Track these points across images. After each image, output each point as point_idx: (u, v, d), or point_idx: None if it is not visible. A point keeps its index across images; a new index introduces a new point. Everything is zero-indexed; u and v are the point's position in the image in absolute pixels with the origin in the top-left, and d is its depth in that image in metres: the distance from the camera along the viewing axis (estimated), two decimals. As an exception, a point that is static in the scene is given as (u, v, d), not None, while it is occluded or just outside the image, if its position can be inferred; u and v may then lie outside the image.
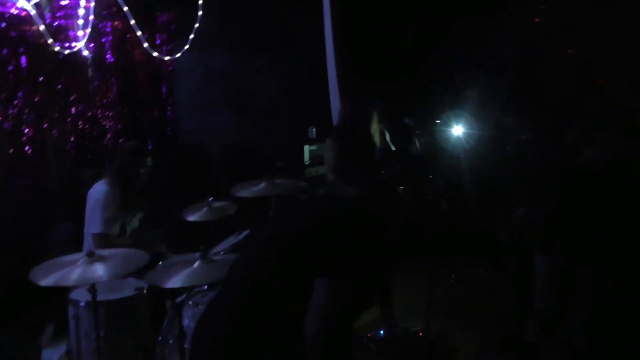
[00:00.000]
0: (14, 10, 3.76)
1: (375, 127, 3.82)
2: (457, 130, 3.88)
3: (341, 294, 1.51)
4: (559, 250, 2.76)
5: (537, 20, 5.30)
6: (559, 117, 2.86)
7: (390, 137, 4.00)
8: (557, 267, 2.80)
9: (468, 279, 4.59)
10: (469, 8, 4.86)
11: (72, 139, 4.45)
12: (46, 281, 2.28)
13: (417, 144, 3.81)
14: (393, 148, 3.96)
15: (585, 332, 2.71)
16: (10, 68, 3.78)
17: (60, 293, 2.82)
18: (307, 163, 5.30)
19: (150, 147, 5.47)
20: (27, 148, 3.96)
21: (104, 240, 3.19)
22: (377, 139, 3.83)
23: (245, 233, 3.32)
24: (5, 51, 3.73)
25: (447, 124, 3.89)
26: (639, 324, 2.64)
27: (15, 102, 3.84)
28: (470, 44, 4.93)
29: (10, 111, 3.80)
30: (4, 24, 3.70)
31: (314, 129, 5.50)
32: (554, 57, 4.91)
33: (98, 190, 3.30)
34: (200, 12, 5.21)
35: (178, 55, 5.42)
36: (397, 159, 3.86)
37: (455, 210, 4.60)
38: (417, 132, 3.78)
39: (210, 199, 3.48)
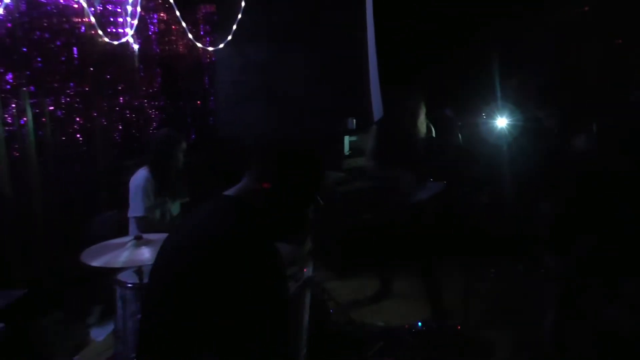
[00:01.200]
0: (66, 3, 3.90)
1: (422, 119, 3.78)
2: (500, 122, 3.81)
3: None
4: (571, 250, 2.70)
5: (580, 10, 5.14)
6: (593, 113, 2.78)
7: (434, 129, 3.97)
8: (568, 268, 2.74)
9: (508, 275, 4.53)
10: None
11: (119, 127, 4.59)
12: (97, 262, 2.39)
13: (459, 136, 3.77)
14: (436, 140, 3.93)
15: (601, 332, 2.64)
16: (62, 59, 3.92)
17: (108, 275, 2.94)
18: (347, 154, 5.30)
19: (193, 136, 5.59)
20: (78, 136, 4.10)
21: (144, 223, 3.33)
22: (422, 130, 3.81)
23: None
24: (58, 42, 3.86)
25: (489, 116, 3.83)
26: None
27: (68, 91, 3.98)
28: (511, 34, 4.83)
29: (63, 100, 3.94)
30: (57, 17, 3.84)
31: (354, 120, 5.50)
32: (596, 49, 4.75)
33: (139, 176, 3.44)
34: (242, 4, 5.28)
35: (221, 46, 5.50)
36: (439, 151, 3.86)
37: (495, 204, 4.55)
38: (458, 123, 3.74)
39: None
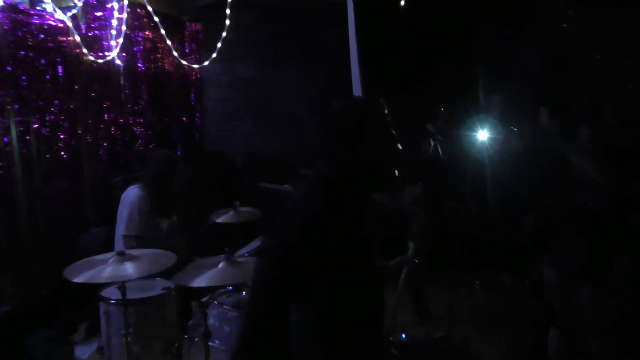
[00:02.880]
0: (51, 22, 3.94)
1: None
2: (481, 135, 3.89)
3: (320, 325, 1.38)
4: (564, 260, 2.74)
5: (564, 25, 5.26)
6: (580, 123, 2.85)
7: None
8: (563, 277, 2.78)
9: (492, 287, 4.57)
10: (494, 12, 4.86)
11: (104, 144, 4.60)
12: (79, 278, 2.38)
13: (439, 150, 3.83)
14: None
15: (596, 341, 2.68)
16: (47, 77, 3.94)
17: (93, 293, 2.94)
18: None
19: (179, 152, 5.61)
20: (62, 153, 4.10)
21: (134, 242, 3.31)
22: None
23: (269, 237, 3.40)
24: (43, 61, 3.89)
25: (469, 129, 3.90)
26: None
27: (52, 109, 3.99)
28: (495, 49, 4.93)
29: (48, 118, 3.95)
30: (42, 35, 3.87)
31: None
32: (580, 63, 4.86)
33: (131, 194, 3.42)
34: (227, 22, 5.34)
35: (206, 63, 5.56)
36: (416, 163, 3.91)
37: (479, 217, 4.60)
38: (438, 137, 3.81)
39: (237, 202, 3.60)
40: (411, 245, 3.25)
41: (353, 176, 1.48)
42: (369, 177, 1.50)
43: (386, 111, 1.54)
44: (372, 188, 1.56)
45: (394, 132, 1.52)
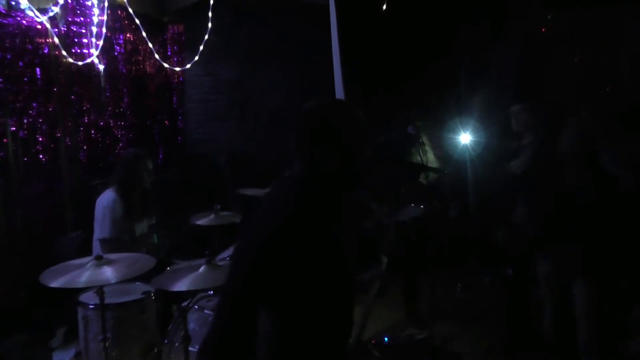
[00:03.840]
0: (30, 24, 3.88)
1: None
2: (462, 138, 3.91)
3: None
4: (558, 253, 2.77)
5: (542, 30, 5.33)
6: (561, 120, 2.88)
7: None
8: (558, 271, 2.81)
9: (474, 287, 4.60)
10: (473, 16, 4.91)
11: (84, 147, 4.55)
12: (56, 283, 2.35)
13: (421, 153, 3.85)
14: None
15: (589, 337, 2.71)
16: (25, 79, 3.89)
17: (71, 297, 2.90)
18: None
19: (161, 155, 5.57)
20: (41, 156, 4.05)
21: (110, 245, 3.28)
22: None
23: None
24: (21, 63, 3.83)
25: (451, 132, 3.93)
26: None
27: (30, 112, 3.94)
28: (474, 52, 4.97)
29: (25, 121, 3.90)
30: (20, 37, 3.82)
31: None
32: (558, 65, 4.93)
33: (105, 198, 3.40)
34: (209, 25, 5.32)
35: (188, 66, 5.53)
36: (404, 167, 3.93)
37: (463, 218, 4.63)
38: (420, 140, 3.83)
39: (217, 205, 3.58)
40: (384, 260, 3.24)
41: (324, 178, 1.46)
42: (342, 178, 1.47)
43: (358, 113, 1.51)
44: (346, 189, 1.52)
45: (365, 134, 1.48)
